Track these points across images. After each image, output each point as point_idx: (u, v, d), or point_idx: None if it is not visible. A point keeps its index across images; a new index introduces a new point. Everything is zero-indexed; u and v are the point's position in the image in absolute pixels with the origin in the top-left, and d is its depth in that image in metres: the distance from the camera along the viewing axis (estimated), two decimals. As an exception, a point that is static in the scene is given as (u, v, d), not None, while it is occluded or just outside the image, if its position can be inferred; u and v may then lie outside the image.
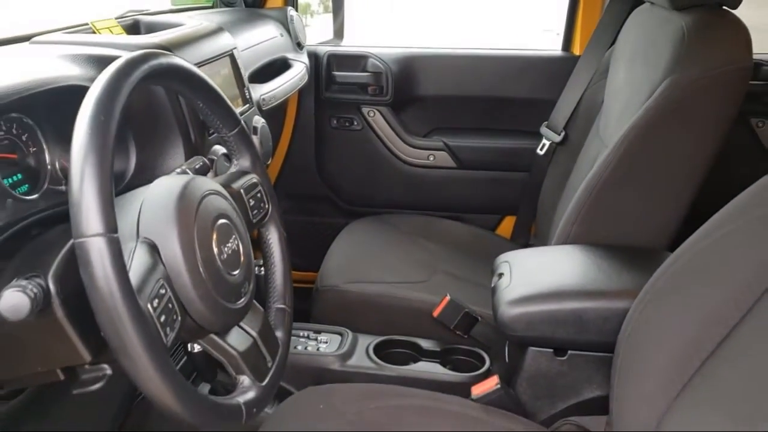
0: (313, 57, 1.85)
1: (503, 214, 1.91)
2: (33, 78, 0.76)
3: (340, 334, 1.31)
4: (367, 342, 1.29)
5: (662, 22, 1.22)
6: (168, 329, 0.61)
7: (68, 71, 0.83)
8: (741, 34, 1.11)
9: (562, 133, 1.62)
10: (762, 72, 1.60)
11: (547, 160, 1.67)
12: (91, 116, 0.57)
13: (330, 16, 2.04)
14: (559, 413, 1.06)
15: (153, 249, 0.63)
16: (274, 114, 1.47)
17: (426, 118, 1.92)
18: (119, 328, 0.54)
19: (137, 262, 0.61)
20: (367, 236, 1.64)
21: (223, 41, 1.19)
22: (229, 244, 0.72)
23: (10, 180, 0.76)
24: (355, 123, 1.91)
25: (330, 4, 2.04)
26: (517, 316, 1.02)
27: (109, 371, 0.72)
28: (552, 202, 1.48)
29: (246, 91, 1.22)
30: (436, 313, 1.27)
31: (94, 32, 1.10)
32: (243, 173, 0.85)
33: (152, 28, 1.20)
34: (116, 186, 0.65)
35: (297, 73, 1.55)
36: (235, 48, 1.22)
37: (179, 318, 0.63)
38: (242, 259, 0.74)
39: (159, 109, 0.95)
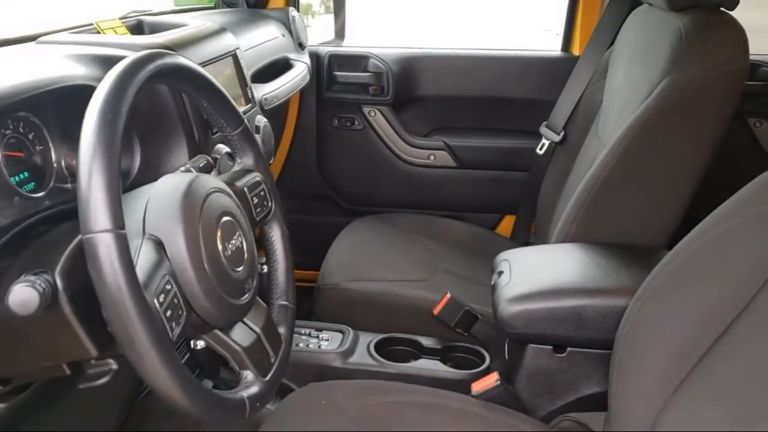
0: (315, 57, 1.86)
1: (503, 213, 1.92)
2: (39, 77, 0.77)
3: (342, 332, 1.32)
4: (368, 339, 1.30)
5: (660, 23, 1.23)
6: (174, 324, 0.62)
7: (74, 71, 0.84)
8: (738, 34, 1.12)
9: (562, 133, 1.63)
10: (760, 72, 1.61)
11: (547, 159, 1.68)
12: (99, 114, 0.58)
13: (331, 16, 2.05)
14: (558, 410, 1.07)
15: (159, 245, 0.64)
16: (276, 114, 1.48)
17: (426, 117, 1.93)
18: (126, 323, 0.55)
19: (143, 258, 0.62)
20: (368, 235, 1.65)
21: (226, 41, 1.20)
22: (233, 241, 0.73)
23: (17, 178, 0.77)
24: (356, 123, 1.92)
25: (331, 4, 2.05)
26: (516, 314, 1.03)
27: (114, 366, 0.73)
28: (551, 201, 1.49)
29: (249, 90, 1.23)
30: (436, 311, 1.28)
31: (98, 32, 1.11)
32: (246, 171, 0.86)
33: (156, 29, 1.21)
34: (121, 184, 0.66)
35: (299, 73, 1.56)
36: (238, 48, 1.23)
37: (184, 313, 0.64)
38: (246, 256, 0.75)
39: (163, 109, 0.96)
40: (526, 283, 1.07)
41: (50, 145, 0.83)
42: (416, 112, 1.93)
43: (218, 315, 0.68)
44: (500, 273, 1.13)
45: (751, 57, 1.14)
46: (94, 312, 0.60)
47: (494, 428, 0.94)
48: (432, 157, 1.90)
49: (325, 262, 1.53)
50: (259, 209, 0.85)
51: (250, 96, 1.23)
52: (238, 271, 0.72)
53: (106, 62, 0.87)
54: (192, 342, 0.94)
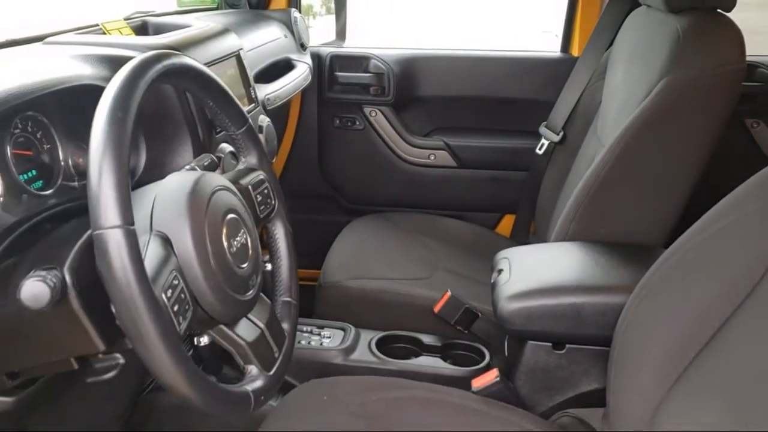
0: (316, 58, 1.87)
1: (503, 212, 1.94)
2: (47, 77, 0.78)
3: (343, 330, 1.33)
4: (369, 337, 1.30)
5: (658, 24, 1.24)
6: (181, 318, 0.63)
7: (81, 71, 0.85)
8: (734, 36, 1.13)
9: (561, 133, 1.64)
10: (757, 74, 1.62)
11: (546, 159, 1.69)
12: (109, 113, 0.60)
13: (332, 17, 2.07)
14: (557, 406, 1.08)
15: (166, 242, 0.66)
16: (278, 114, 1.49)
17: (427, 118, 1.94)
18: (135, 316, 0.57)
19: (151, 253, 0.63)
20: (368, 234, 1.66)
21: (230, 42, 1.22)
22: (238, 238, 0.74)
23: (25, 176, 0.78)
24: (357, 123, 1.93)
25: (332, 5, 2.06)
26: (516, 311, 1.04)
27: (121, 360, 0.75)
28: (551, 201, 1.50)
29: (252, 90, 1.24)
30: (437, 309, 1.29)
31: (104, 33, 1.12)
32: (250, 170, 0.88)
33: (160, 29, 1.22)
34: None
35: (300, 73, 1.57)
36: (241, 49, 1.24)
37: (191, 308, 0.65)
38: (250, 252, 0.76)
39: (168, 109, 0.97)
40: (526, 281, 1.08)
41: (57, 143, 0.84)
42: (417, 113, 1.94)
43: (224, 310, 0.69)
44: (500, 271, 1.14)
45: (748, 58, 1.15)
46: (102, 307, 0.61)
47: (494, 423, 0.95)
48: (432, 157, 1.91)
49: (327, 260, 1.54)
50: (262, 207, 0.87)
51: (254, 96, 1.25)
52: (243, 268, 0.73)
53: (113, 62, 0.88)
54: (195, 339, 0.95)
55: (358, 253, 1.56)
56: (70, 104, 0.83)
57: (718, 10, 1.19)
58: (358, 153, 1.95)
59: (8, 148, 0.76)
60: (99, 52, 0.91)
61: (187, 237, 0.66)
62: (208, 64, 1.08)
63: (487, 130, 1.91)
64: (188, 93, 0.98)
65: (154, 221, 0.67)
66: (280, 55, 1.57)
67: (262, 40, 1.49)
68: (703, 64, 1.11)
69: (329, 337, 1.30)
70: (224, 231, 0.72)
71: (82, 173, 0.86)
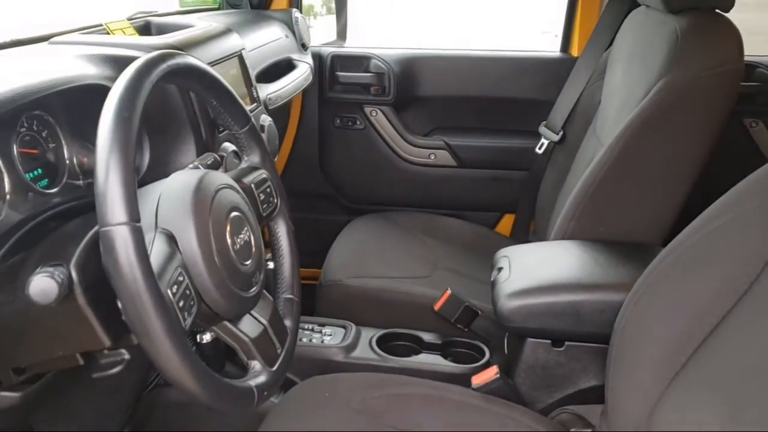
0: (317, 58, 1.88)
1: (503, 211, 1.95)
2: (53, 77, 0.79)
3: (344, 327, 1.33)
4: (370, 335, 1.31)
5: (657, 25, 1.25)
6: (186, 314, 0.64)
7: (86, 71, 0.86)
8: (733, 36, 1.14)
9: (561, 133, 1.65)
10: (755, 74, 1.63)
11: (546, 159, 1.70)
12: (116, 113, 0.60)
13: (333, 17, 2.07)
14: (556, 402, 1.09)
15: (171, 239, 0.66)
16: (279, 113, 1.50)
17: (427, 117, 1.95)
18: (142, 311, 0.57)
19: (156, 250, 0.64)
20: (369, 233, 1.67)
21: (232, 42, 1.22)
22: (242, 236, 0.75)
23: (31, 174, 0.79)
24: (358, 122, 1.94)
25: (333, 6, 2.07)
26: (516, 308, 1.05)
27: (126, 356, 0.75)
28: (550, 200, 1.51)
29: (254, 90, 1.25)
30: (437, 307, 1.30)
31: (107, 33, 1.13)
32: (253, 169, 0.89)
33: (163, 29, 1.23)
34: None
35: (302, 73, 1.58)
36: (243, 48, 1.25)
37: (196, 304, 0.66)
38: (254, 250, 0.77)
39: (172, 108, 0.98)
40: (525, 279, 1.09)
41: (63, 142, 0.85)
42: (417, 112, 1.95)
43: (227, 306, 0.70)
44: (500, 269, 1.15)
45: (747, 58, 1.16)
46: (108, 303, 0.62)
47: (494, 420, 0.96)
48: (432, 157, 1.92)
49: (327, 259, 1.54)
50: (265, 205, 0.88)
51: (256, 95, 1.26)
52: (247, 265, 0.74)
53: (118, 62, 0.89)
54: (198, 336, 0.96)
55: (358, 251, 1.57)
56: (75, 104, 0.84)
57: (717, 11, 1.19)
58: (358, 152, 1.96)
59: (15, 147, 0.77)
60: (104, 52, 0.92)
61: (191, 234, 0.67)
62: (211, 63, 1.09)
63: (487, 130, 1.92)
64: (192, 92, 0.98)
65: (159, 219, 0.68)
66: (282, 55, 1.57)
67: (264, 40, 1.50)
68: (702, 64, 1.12)
69: (330, 335, 1.31)
70: (228, 228, 0.72)
71: (87, 172, 0.87)
